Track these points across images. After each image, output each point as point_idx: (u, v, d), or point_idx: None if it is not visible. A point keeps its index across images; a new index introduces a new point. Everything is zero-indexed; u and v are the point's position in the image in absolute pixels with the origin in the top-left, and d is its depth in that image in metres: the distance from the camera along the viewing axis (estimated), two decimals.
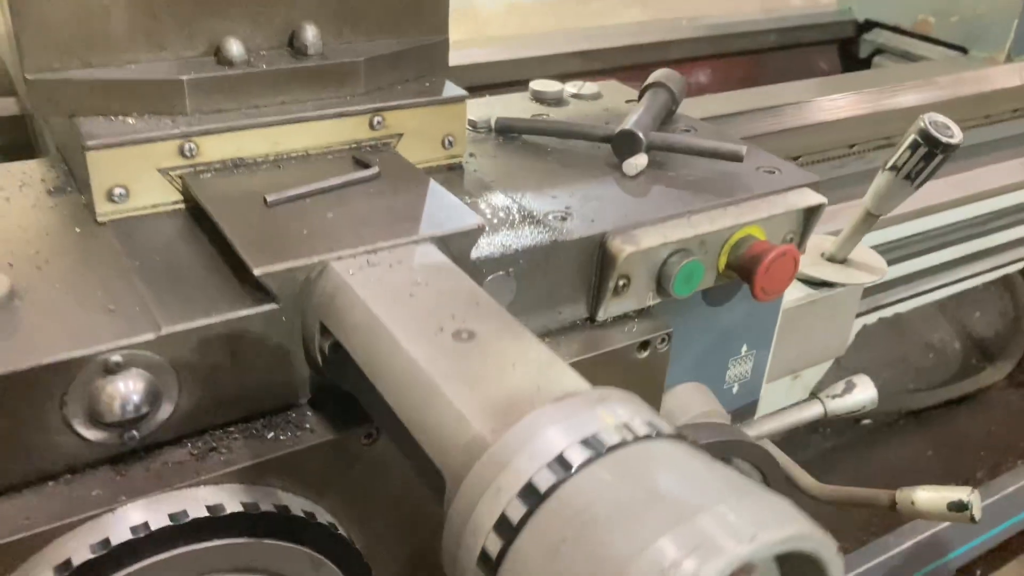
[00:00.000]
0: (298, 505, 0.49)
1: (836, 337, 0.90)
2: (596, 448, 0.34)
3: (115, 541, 0.43)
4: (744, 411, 0.80)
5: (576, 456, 0.34)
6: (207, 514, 0.45)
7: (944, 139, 0.76)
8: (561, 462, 0.34)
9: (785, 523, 0.32)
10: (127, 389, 0.45)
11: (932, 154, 0.77)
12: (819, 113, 1.19)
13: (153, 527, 0.44)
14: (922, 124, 0.77)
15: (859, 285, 0.84)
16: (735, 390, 0.77)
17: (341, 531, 0.51)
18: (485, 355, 0.42)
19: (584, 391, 0.40)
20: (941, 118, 0.78)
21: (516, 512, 0.33)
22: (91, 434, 0.46)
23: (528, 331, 0.45)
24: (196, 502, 0.46)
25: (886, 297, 1.19)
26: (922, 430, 1.56)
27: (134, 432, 0.46)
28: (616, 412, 0.37)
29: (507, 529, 0.34)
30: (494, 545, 0.34)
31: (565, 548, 0.31)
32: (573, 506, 0.33)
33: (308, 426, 0.51)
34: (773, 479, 0.65)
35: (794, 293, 0.84)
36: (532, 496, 0.33)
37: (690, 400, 0.72)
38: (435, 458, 0.39)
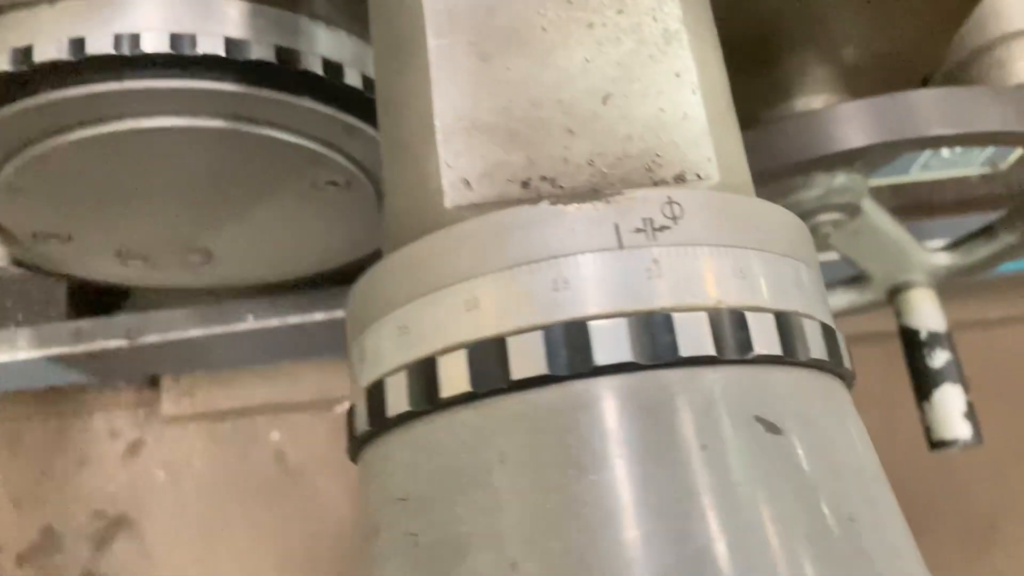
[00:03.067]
0: (321, 50, 0.34)
1: None
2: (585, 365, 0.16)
3: (39, 57, 0.31)
4: None
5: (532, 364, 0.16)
6: (170, 47, 0.31)
7: None
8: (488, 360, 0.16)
9: None
10: None
11: None
12: None
13: (90, 48, 0.31)
14: None
15: None
16: None
17: None
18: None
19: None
20: None
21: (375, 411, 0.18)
22: None
23: None
24: (163, 16, 0.32)
25: None
26: None
27: None
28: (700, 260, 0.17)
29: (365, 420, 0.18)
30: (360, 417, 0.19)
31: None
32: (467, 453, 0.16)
33: None
34: None
35: None
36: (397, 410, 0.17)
37: None
38: (392, 201, 0.22)
